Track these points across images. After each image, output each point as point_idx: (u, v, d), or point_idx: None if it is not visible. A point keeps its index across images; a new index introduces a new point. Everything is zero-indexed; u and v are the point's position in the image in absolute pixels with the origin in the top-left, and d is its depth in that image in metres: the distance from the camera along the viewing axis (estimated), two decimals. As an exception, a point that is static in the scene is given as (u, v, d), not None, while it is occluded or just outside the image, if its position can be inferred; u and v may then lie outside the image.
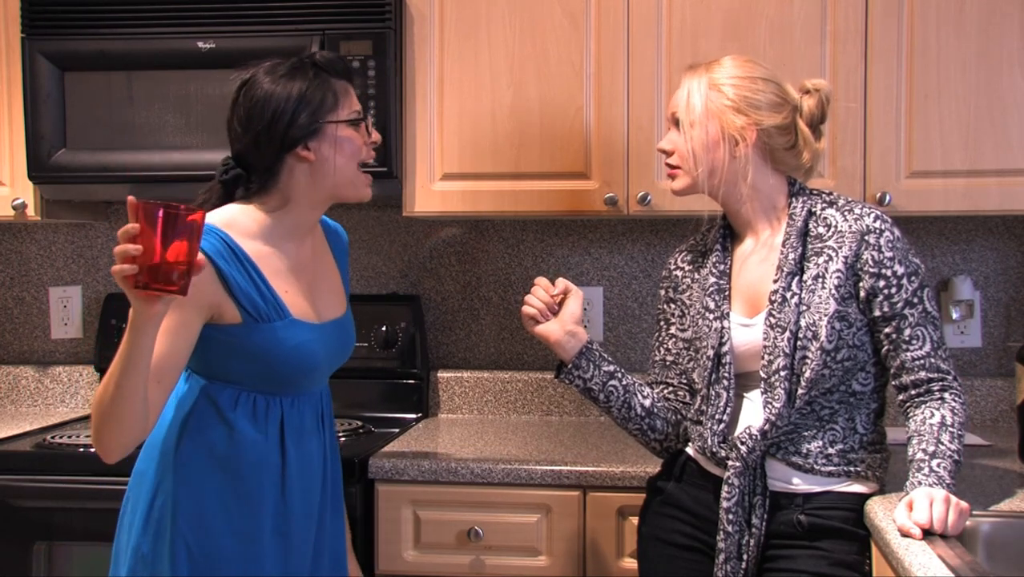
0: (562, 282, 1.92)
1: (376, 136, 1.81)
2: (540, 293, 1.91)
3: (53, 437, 2.45)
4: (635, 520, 2.03)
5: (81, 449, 2.34)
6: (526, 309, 1.91)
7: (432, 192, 2.51)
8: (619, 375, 1.92)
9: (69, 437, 2.44)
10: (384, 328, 2.75)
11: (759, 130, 1.79)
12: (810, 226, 1.81)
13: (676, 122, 1.85)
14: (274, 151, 1.72)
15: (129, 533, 1.73)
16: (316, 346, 1.76)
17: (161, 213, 1.44)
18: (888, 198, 2.35)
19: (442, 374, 2.85)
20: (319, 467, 1.82)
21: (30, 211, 2.60)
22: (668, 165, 1.88)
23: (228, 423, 1.71)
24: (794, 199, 1.83)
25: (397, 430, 2.59)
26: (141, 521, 1.70)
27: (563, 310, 1.90)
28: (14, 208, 2.59)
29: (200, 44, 2.45)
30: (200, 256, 1.48)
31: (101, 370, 2.85)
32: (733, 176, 1.81)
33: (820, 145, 1.85)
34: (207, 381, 1.73)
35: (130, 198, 1.43)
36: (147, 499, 1.71)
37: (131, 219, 1.43)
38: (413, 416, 2.77)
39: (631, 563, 2.13)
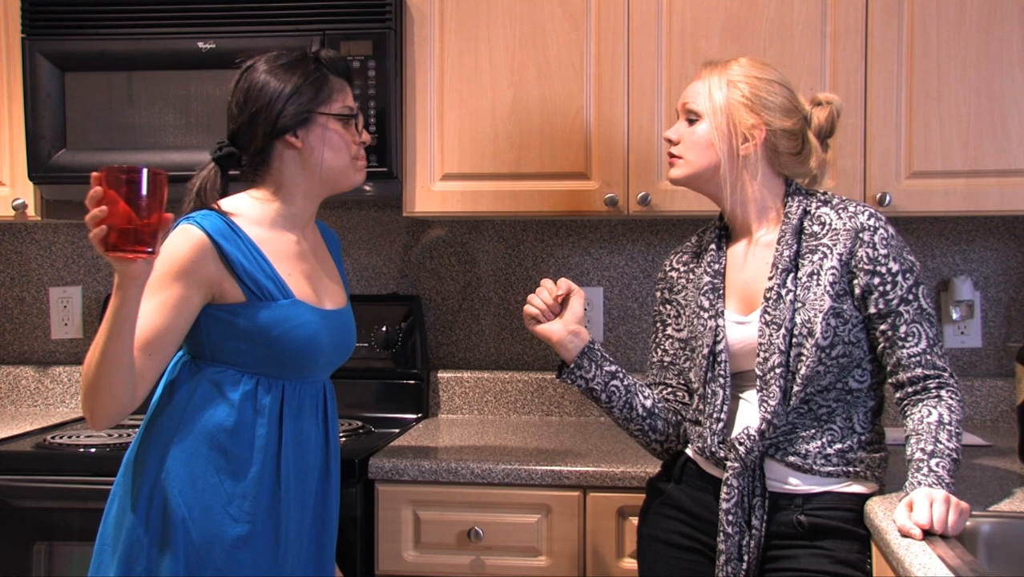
0: (564, 282, 1.92)
1: (366, 136, 1.88)
2: (543, 294, 1.91)
3: (53, 437, 2.45)
4: (635, 520, 2.03)
5: (81, 449, 2.34)
6: (528, 309, 1.91)
7: (432, 192, 2.51)
8: (621, 375, 1.92)
9: (69, 437, 2.44)
10: (384, 328, 2.75)
11: (768, 131, 1.80)
12: (805, 224, 1.82)
13: (687, 113, 1.86)
14: (264, 135, 1.79)
15: (121, 520, 1.74)
16: (319, 329, 1.79)
17: (124, 177, 1.49)
18: (888, 198, 2.35)
19: (442, 374, 2.85)
20: (317, 455, 1.85)
21: (30, 211, 2.60)
22: (671, 154, 1.89)
23: (229, 404, 1.74)
24: (790, 199, 1.84)
25: (397, 430, 2.59)
26: (139, 507, 1.71)
27: (566, 310, 1.91)
28: (14, 208, 2.59)
29: (200, 44, 2.45)
30: (167, 215, 1.52)
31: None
32: (734, 173, 1.82)
33: (827, 156, 1.87)
34: (209, 365, 1.75)
35: (94, 173, 1.48)
36: (145, 485, 1.72)
37: (94, 185, 1.48)
38: (413, 416, 2.77)
39: (631, 564, 2.13)
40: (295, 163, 1.81)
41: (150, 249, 1.51)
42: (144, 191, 1.49)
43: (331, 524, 1.90)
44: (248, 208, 1.81)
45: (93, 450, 2.33)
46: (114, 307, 1.55)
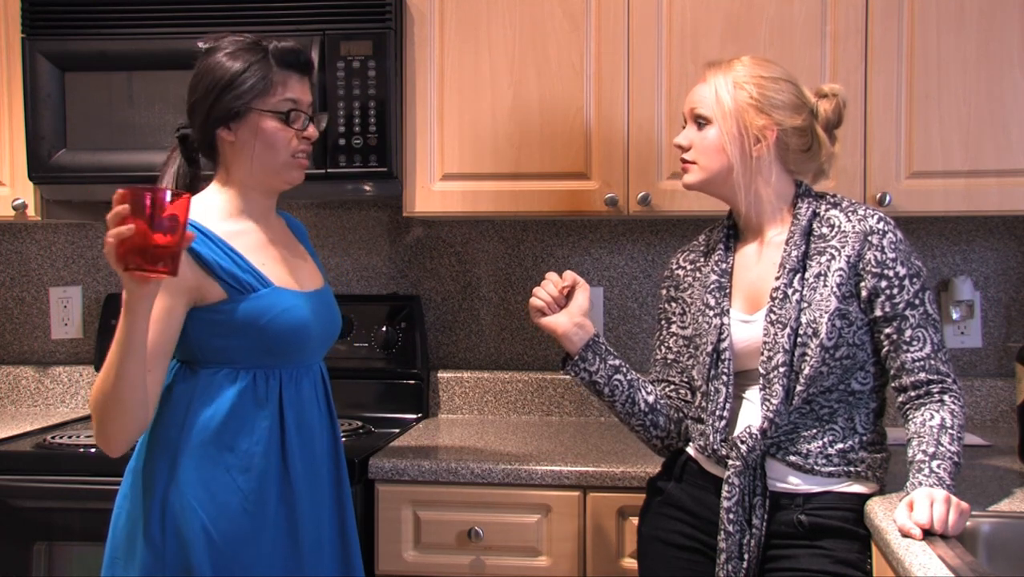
0: (570, 275, 1.92)
1: (311, 132, 1.82)
2: (549, 287, 1.91)
3: (53, 437, 2.45)
4: (635, 520, 2.03)
5: (81, 449, 2.34)
6: (534, 301, 1.91)
7: (432, 192, 2.51)
8: (624, 369, 1.93)
9: (69, 437, 2.44)
10: (384, 328, 2.75)
11: (779, 131, 1.80)
12: (814, 226, 1.81)
13: (695, 118, 1.85)
14: (202, 124, 1.79)
15: (133, 531, 1.74)
16: (304, 312, 1.80)
17: (148, 198, 1.51)
18: (888, 198, 2.35)
19: (442, 374, 2.85)
20: (324, 442, 1.85)
21: (30, 211, 2.60)
22: (683, 160, 1.88)
23: (229, 402, 1.74)
24: (800, 200, 1.84)
25: (397, 430, 2.59)
26: (154, 517, 1.71)
27: (571, 303, 1.92)
28: (14, 208, 2.59)
29: (200, 44, 2.43)
30: (189, 232, 1.54)
31: (101, 370, 2.85)
32: (747, 176, 1.82)
33: (834, 149, 1.87)
34: (203, 367, 1.75)
35: (119, 190, 1.51)
36: (158, 495, 1.72)
37: (116, 205, 1.50)
38: (413, 416, 2.77)
39: (631, 563, 2.13)
40: (233, 156, 1.80)
41: (167, 268, 1.53)
42: (164, 212, 1.52)
43: (351, 521, 1.90)
44: (212, 199, 1.81)
45: (93, 450, 2.33)
46: (126, 328, 1.57)
